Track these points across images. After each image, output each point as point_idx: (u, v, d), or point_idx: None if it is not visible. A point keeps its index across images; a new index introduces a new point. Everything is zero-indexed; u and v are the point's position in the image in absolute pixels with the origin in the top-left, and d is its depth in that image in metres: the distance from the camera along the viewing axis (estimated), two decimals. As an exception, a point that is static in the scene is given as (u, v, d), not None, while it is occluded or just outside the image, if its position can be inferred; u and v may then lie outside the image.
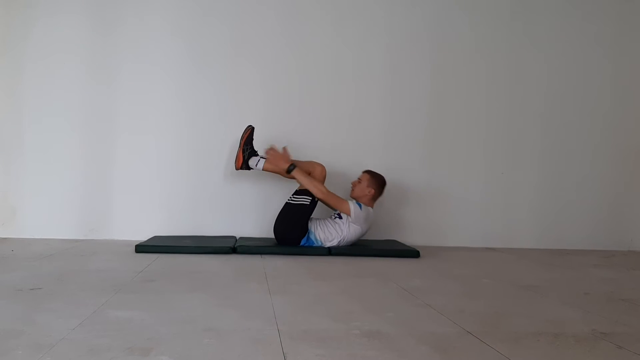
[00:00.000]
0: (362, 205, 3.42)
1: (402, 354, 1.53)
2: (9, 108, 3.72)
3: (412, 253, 3.36)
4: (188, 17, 3.81)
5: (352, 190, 3.53)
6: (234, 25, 3.84)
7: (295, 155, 3.62)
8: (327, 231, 3.40)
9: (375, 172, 3.55)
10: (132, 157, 3.77)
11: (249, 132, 3.47)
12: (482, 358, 1.52)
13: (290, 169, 3.38)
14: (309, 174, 3.45)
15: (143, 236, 3.61)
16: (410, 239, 3.86)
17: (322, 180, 3.45)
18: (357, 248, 3.43)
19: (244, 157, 3.44)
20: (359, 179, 3.54)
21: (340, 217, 3.43)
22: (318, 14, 3.91)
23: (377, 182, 3.51)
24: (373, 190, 3.49)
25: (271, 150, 3.43)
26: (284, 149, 3.46)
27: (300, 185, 3.43)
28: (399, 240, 3.84)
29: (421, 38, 3.98)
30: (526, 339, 1.71)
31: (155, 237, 3.61)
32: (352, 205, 3.38)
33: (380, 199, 3.61)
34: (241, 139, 3.46)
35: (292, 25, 3.89)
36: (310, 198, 3.37)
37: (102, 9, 3.75)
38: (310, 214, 3.41)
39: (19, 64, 3.71)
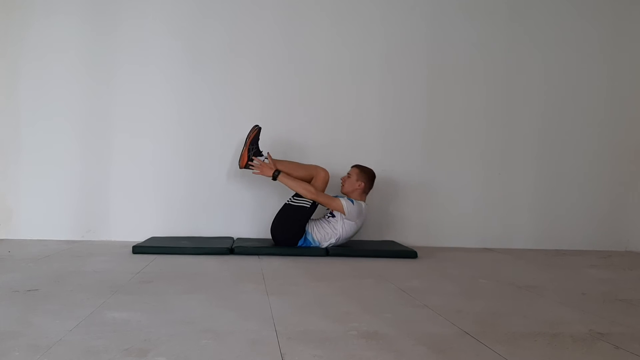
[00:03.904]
0: (354, 200, 3.42)
1: (400, 354, 1.53)
2: (6, 109, 3.71)
3: (409, 254, 3.36)
4: (185, 18, 3.81)
5: (342, 186, 3.53)
6: (232, 26, 3.83)
7: (294, 155, 3.63)
8: (323, 231, 3.40)
9: (363, 165, 3.55)
10: (129, 158, 3.76)
11: (256, 132, 3.46)
12: (480, 358, 1.52)
13: (275, 175, 3.38)
14: (311, 178, 3.44)
15: (140, 237, 3.60)
16: (407, 240, 3.86)
17: (324, 184, 3.44)
18: (354, 249, 3.43)
19: (248, 156, 3.43)
20: (348, 174, 3.53)
21: (334, 216, 3.42)
22: (316, 14, 3.91)
23: (367, 175, 3.51)
24: (363, 184, 3.48)
25: (256, 161, 3.40)
26: (268, 154, 3.44)
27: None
28: (396, 240, 3.84)
29: (419, 38, 3.98)
30: (524, 339, 1.71)
31: (152, 238, 3.60)
32: (344, 202, 3.37)
33: (378, 198, 3.60)
34: (247, 138, 3.44)
35: (290, 26, 3.89)
36: (311, 201, 3.37)
37: (99, 10, 3.74)
38: (310, 217, 3.40)
39: (15, 66, 3.70)
